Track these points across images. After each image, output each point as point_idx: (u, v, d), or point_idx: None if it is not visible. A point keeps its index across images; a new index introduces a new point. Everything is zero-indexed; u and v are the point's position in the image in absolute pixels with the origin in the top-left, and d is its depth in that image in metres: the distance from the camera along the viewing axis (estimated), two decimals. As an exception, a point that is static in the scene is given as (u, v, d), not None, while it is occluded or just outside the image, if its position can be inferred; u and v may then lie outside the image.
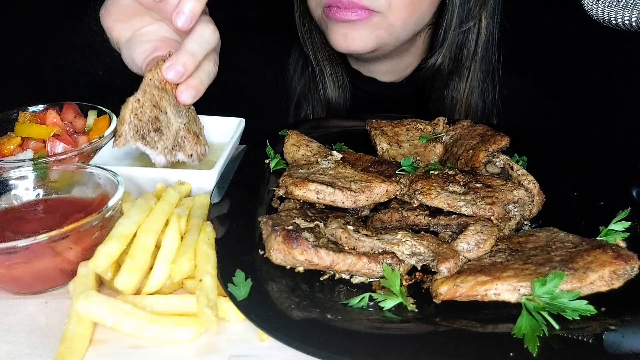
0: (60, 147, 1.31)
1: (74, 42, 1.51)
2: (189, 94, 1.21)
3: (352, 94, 1.93)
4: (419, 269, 0.98)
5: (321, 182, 1.12)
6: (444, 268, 0.94)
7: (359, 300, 0.92)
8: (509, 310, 0.89)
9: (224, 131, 1.44)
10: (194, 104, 1.28)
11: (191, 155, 1.25)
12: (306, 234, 0.99)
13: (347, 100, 1.92)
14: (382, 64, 1.86)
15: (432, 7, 1.74)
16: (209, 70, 1.26)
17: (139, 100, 1.17)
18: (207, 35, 1.21)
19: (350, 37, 1.63)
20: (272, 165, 1.34)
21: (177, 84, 1.21)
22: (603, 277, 0.91)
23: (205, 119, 1.46)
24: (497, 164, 1.25)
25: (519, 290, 0.90)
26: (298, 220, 1.04)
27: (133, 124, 1.15)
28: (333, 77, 1.88)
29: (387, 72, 1.93)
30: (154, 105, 1.18)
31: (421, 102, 1.93)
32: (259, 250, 1.02)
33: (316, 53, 1.85)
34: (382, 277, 0.95)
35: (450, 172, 1.18)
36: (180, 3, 1.16)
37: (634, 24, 1.19)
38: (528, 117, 1.96)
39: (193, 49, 1.19)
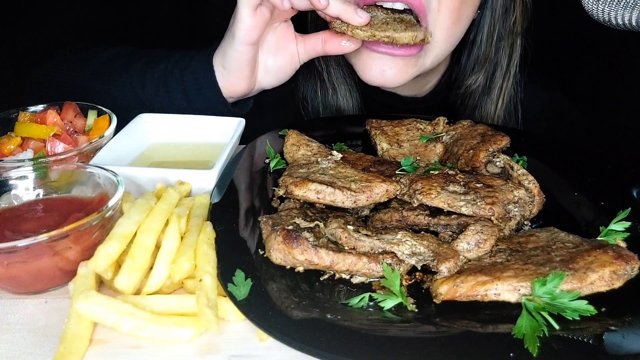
0: (60, 146, 1.31)
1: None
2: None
3: (365, 105, 1.85)
4: (419, 269, 0.98)
5: (321, 182, 1.12)
6: (444, 268, 0.94)
7: (359, 300, 0.92)
8: (509, 311, 0.89)
9: (224, 131, 1.44)
10: None
11: None
12: (306, 234, 0.99)
13: (357, 109, 1.85)
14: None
15: (468, 23, 1.66)
16: None
17: None
18: None
19: (387, 69, 1.51)
20: (272, 165, 1.34)
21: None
22: (603, 278, 0.91)
23: (205, 119, 1.47)
24: (498, 163, 1.25)
25: (519, 290, 0.90)
26: (298, 220, 1.04)
27: None
28: (345, 89, 1.80)
29: (408, 88, 1.83)
30: None
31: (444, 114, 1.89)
32: (259, 250, 1.02)
33: (328, 64, 1.79)
34: (382, 277, 0.95)
35: (451, 172, 1.18)
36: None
37: (634, 23, 1.19)
38: (529, 119, 1.95)
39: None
